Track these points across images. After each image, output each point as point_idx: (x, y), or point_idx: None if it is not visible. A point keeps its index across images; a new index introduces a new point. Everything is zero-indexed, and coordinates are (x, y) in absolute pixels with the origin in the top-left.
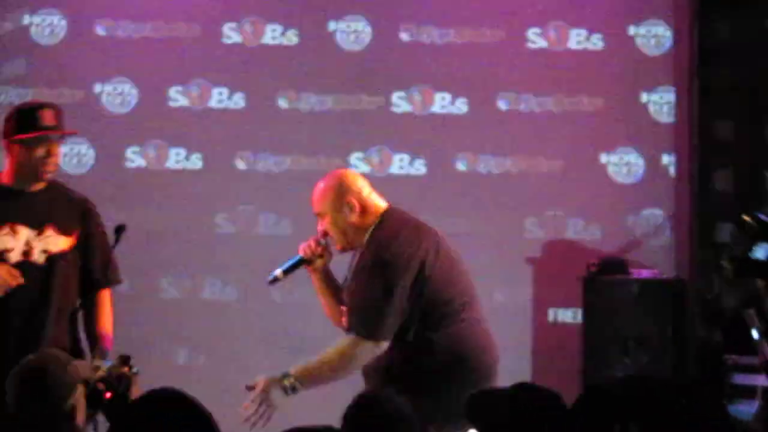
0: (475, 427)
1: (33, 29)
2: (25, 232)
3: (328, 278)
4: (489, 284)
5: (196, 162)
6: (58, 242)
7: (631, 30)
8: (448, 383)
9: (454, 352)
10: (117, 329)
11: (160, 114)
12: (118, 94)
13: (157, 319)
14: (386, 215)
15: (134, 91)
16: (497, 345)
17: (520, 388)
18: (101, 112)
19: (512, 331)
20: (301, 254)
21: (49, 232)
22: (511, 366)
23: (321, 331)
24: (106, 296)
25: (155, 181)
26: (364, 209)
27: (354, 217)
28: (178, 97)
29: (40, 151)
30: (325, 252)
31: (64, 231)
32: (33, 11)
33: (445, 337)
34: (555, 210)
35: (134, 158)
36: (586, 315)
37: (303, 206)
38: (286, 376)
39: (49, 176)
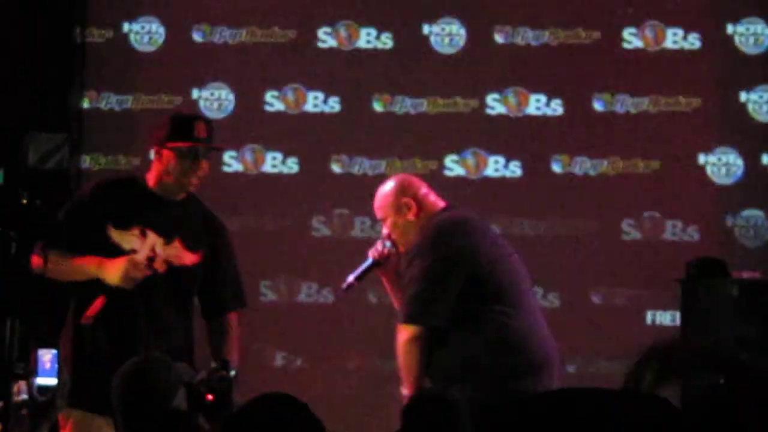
0: None
1: (132, 36)
2: (153, 239)
3: (398, 278)
4: (585, 286)
5: (292, 166)
6: (183, 256)
7: (729, 28)
8: (486, 381)
9: (489, 350)
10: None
11: (256, 119)
12: (215, 100)
13: (254, 323)
14: (442, 213)
15: (231, 97)
16: (548, 346)
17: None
18: None
19: (609, 333)
20: (370, 258)
21: (177, 244)
22: (608, 369)
23: None
24: (233, 320)
25: (252, 185)
26: (421, 208)
27: (412, 217)
28: (274, 102)
29: (189, 163)
30: (392, 254)
31: (190, 247)
32: (132, 19)
33: (484, 333)
34: (652, 211)
35: (231, 163)
36: (684, 317)
37: None
38: None
39: (192, 188)
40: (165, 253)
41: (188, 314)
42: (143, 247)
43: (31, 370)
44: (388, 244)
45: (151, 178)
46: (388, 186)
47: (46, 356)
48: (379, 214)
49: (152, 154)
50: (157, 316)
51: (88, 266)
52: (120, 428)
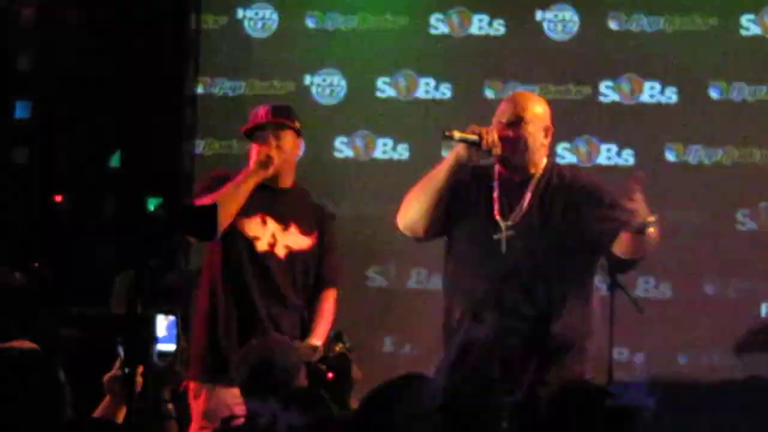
0: None
1: (246, 23)
2: (272, 225)
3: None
4: (698, 277)
5: (402, 152)
6: (299, 240)
7: None
8: None
9: None
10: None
11: (367, 104)
12: (327, 86)
13: (363, 308)
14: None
15: (343, 82)
16: None
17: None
18: (311, 102)
19: (722, 325)
20: (476, 138)
21: (293, 230)
22: (720, 361)
23: None
24: (331, 295)
25: (362, 171)
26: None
27: (546, 143)
28: (385, 88)
29: (256, 144)
30: (491, 152)
31: (305, 231)
32: (246, 5)
33: None
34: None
35: (342, 148)
36: None
37: None
38: None
39: (276, 168)
40: (284, 238)
41: (306, 294)
42: (265, 233)
43: (152, 336)
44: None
45: None
46: (539, 99)
47: (165, 322)
48: (526, 113)
49: None
50: (280, 297)
51: (243, 179)
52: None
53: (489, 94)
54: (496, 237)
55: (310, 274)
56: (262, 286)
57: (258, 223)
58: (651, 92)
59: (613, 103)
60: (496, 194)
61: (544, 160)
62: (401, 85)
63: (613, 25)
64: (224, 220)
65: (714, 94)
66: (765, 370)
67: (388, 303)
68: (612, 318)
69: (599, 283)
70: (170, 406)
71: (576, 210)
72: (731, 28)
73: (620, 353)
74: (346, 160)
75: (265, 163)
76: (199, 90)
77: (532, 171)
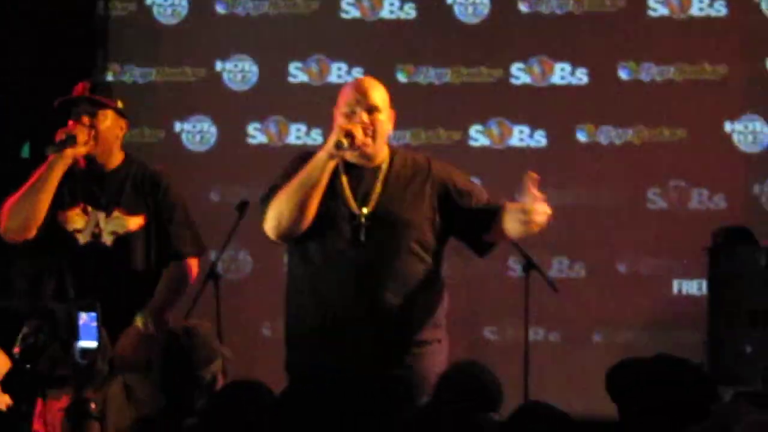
0: (615, 399)
1: (155, 9)
2: (95, 214)
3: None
4: (611, 256)
5: (316, 137)
6: (125, 223)
7: None
8: None
9: None
10: (241, 302)
11: (280, 90)
12: (238, 72)
13: (280, 294)
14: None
15: (254, 68)
16: None
17: (660, 359)
18: (223, 89)
19: (636, 303)
20: (346, 136)
21: (117, 213)
22: (635, 339)
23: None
24: (174, 267)
25: (277, 156)
26: None
27: (390, 129)
28: (297, 73)
29: (72, 118)
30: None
31: (131, 211)
32: None
33: None
34: (678, 180)
35: (256, 134)
36: (711, 286)
37: None
38: None
39: (90, 147)
40: (110, 225)
41: (147, 275)
42: (87, 224)
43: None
44: (369, 133)
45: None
46: (381, 86)
47: (86, 318)
48: (377, 101)
49: None
50: (109, 287)
51: (47, 167)
52: (157, 386)
53: (401, 77)
54: (353, 224)
55: (142, 253)
56: (78, 281)
57: (79, 214)
58: (562, 74)
59: (525, 85)
60: (346, 183)
61: (386, 146)
62: (313, 70)
63: (523, 7)
64: (33, 214)
65: (623, 74)
66: (676, 347)
67: None
68: (527, 299)
69: (513, 264)
70: (93, 405)
71: (429, 197)
72: (639, 9)
73: (536, 333)
74: (259, 146)
75: (64, 143)
76: (109, 77)
77: (381, 159)
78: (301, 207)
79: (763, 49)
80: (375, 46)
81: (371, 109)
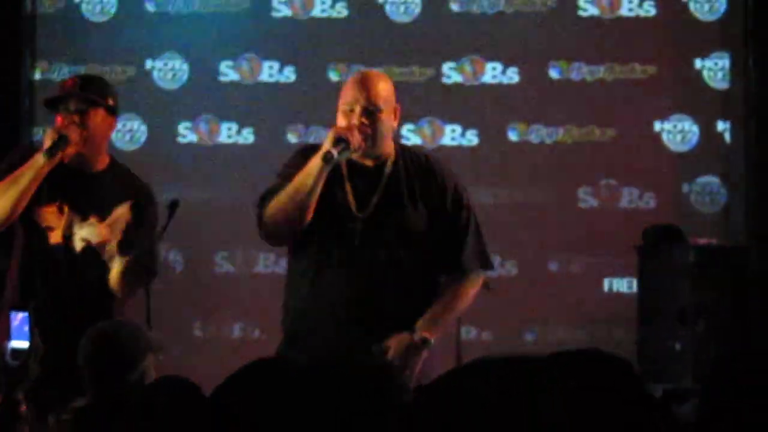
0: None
1: (84, 6)
2: (70, 215)
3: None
4: (543, 254)
5: (247, 136)
6: (98, 232)
7: None
8: None
9: None
10: (173, 302)
11: (211, 89)
12: (169, 70)
13: (211, 294)
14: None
15: (185, 67)
16: None
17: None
18: (153, 87)
19: (567, 301)
20: (346, 144)
21: (93, 220)
22: (567, 337)
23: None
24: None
25: (207, 155)
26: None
27: (395, 125)
28: (228, 72)
29: (61, 116)
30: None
31: (102, 217)
32: None
33: None
34: (609, 179)
35: (186, 133)
36: (641, 284)
37: None
38: (414, 331)
39: (79, 146)
40: (82, 231)
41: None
42: (60, 224)
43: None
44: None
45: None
46: (385, 78)
47: (19, 319)
48: (379, 102)
49: None
50: (70, 296)
51: (32, 163)
52: (87, 389)
53: (333, 76)
54: (351, 226)
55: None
56: (45, 280)
57: (54, 212)
58: (493, 73)
59: (456, 84)
60: (348, 182)
61: (391, 143)
62: (244, 68)
63: (454, 6)
64: (8, 212)
65: (554, 74)
66: (607, 344)
67: (236, 289)
68: None
69: None
70: (24, 408)
71: (431, 200)
72: (569, 9)
73: (468, 332)
74: (190, 145)
75: (56, 146)
76: (37, 76)
77: (385, 156)
78: (295, 213)
79: (691, 49)
80: (307, 45)
81: (371, 108)
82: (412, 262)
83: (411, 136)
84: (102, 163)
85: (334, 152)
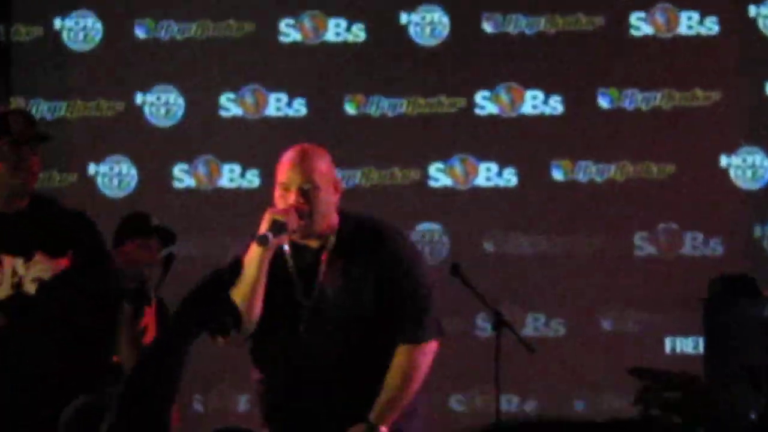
0: None
1: (65, 34)
2: (11, 261)
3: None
4: (594, 311)
5: (252, 179)
6: (48, 267)
7: (752, 10)
8: None
9: None
10: None
11: (210, 126)
12: (162, 105)
13: (213, 362)
14: (355, 215)
15: (180, 101)
16: None
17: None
18: (145, 125)
19: (623, 364)
20: (283, 226)
21: (38, 257)
22: (623, 407)
23: None
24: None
25: (207, 202)
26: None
27: (337, 199)
28: (230, 106)
29: (13, 162)
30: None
31: (54, 253)
32: (65, 14)
33: None
34: (668, 223)
35: (182, 177)
36: (709, 343)
37: None
38: (371, 427)
39: (26, 188)
40: (31, 272)
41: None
42: (3, 276)
43: None
44: (305, 216)
45: None
46: (321, 153)
47: None
48: (314, 179)
49: None
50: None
51: None
52: None
53: (349, 109)
54: (298, 314)
55: (74, 297)
56: (19, 334)
57: None
58: (533, 102)
59: (491, 116)
60: (292, 267)
61: (335, 217)
62: (248, 102)
63: (488, 27)
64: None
65: (603, 103)
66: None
67: (243, 355)
68: (498, 362)
69: (481, 322)
70: None
71: (376, 269)
72: (620, 28)
73: (509, 401)
74: (187, 190)
75: (278, 231)
76: None
77: (329, 233)
78: (247, 306)
79: (761, 71)
80: (319, 74)
81: (307, 186)
82: (360, 343)
83: (440, 177)
84: (25, 198)
85: (270, 235)
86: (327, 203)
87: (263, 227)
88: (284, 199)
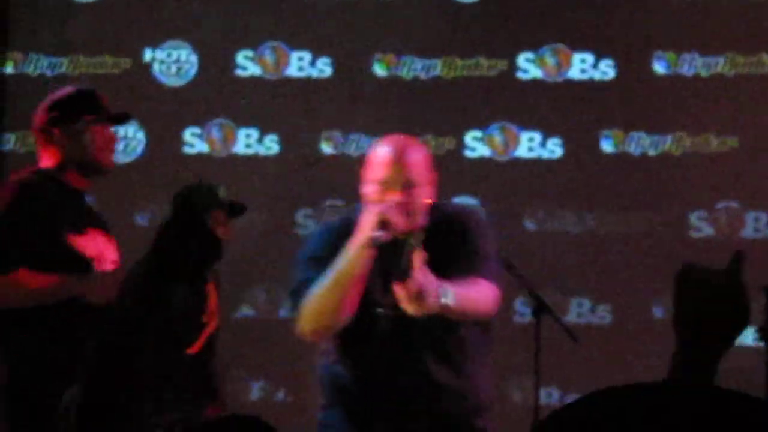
0: None
1: None
2: (98, 238)
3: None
4: (645, 297)
5: (271, 145)
6: (114, 250)
7: None
8: None
9: None
10: None
11: (225, 86)
12: (173, 62)
13: (225, 345)
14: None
15: (193, 58)
16: None
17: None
18: (153, 84)
19: None
20: (389, 221)
21: (106, 239)
22: None
23: None
24: None
25: (221, 169)
26: None
27: (432, 196)
28: (247, 64)
29: (106, 138)
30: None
31: (110, 236)
32: None
33: None
34: (729, 201)
35: (194, 142)
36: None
37: None
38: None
39: (107, 169)
40: (108, 251)
41: None
42: (95, 250)
43: None
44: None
45: (53, 168)
46: (418, 146)
47: None
48: (419, 177)
49: (44, 139)
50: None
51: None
52: None
53: (379, 70)
54: (379, 315)
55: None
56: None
57: (89, 240)
58: (582, 66)
59: (535, 81)
60: (374, 265)
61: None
62: (268, 60)
63: None
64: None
65: (659, 68)
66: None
67: (257, 337)
68: (538, 352)
69: (521, 307)
70: None
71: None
72: None
73: (549, 395)
74: (199, 156)
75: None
76: (9, 69)
77: (417, 224)
78: (341, 304)
79: None
80: (346, 32)
81: (410, 185)
82: (447, 342)
83: (478, 146)
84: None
85: (381, 236)
86: (425, 200)
87: (370, 227)
88: (382, 196)
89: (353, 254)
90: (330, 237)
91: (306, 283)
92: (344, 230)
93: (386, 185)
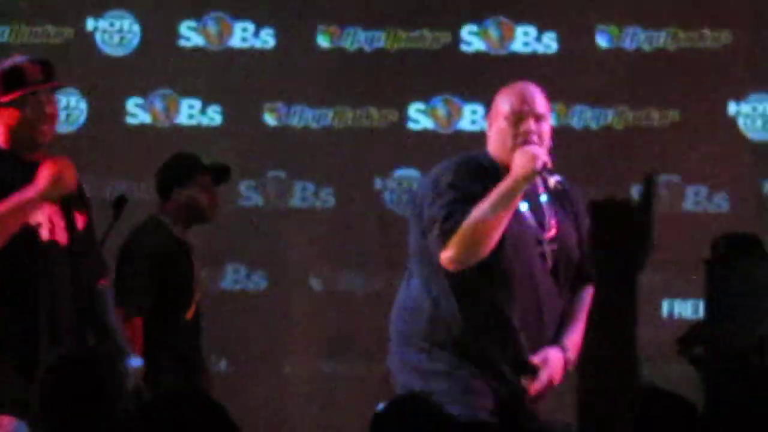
0: None
1: None
2: (47, 207)
3: None
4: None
5: (214, 116)
6: (77, 220)
7: None
8: None
9: None
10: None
11: (168, 56)
12: (116, 32)
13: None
14: None
15: (136, 28)
16: None
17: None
18: (96, 54)
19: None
20: (541, 166)
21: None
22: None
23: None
24: (107, 288)
25: (163, 140)
26: None
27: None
28: (190, 35)
29: (34, 112)
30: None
31: (80, 207)
32: None
33: None
34: (670, 175)
35: (137, 112)
36: (709, 308)
37: (347, 172)
38: (565, 350)
39: (46, 139)
40: (61, 220)
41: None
42: (43, 218)
43: None
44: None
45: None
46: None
47: None
48: (543, 108)
49: None
50: (65, 294)
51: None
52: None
53: (322, 42)
54: (540, 250)
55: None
56: (49, 283)
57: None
58: (525, 39)
59: (478, 53)
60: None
61: None
62: (211, 31)
63: None
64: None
65: (602, 41)
66: (662, 383)
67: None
68: None
69: None
70: None
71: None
72: None
73: None
74: (142, 127)
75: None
76: None
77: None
78: (495, 236)
79: None
80: (290, 2)
81: (540, 118)
82: (568, 282)
83: (421, 118)
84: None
85: (544, 168)
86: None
87: (527, 163)
88: (514, 128)
89: (510, 189)
90: (478, 173)
91: (459, 214)
92: (485, 170)
93: (518, 116)
